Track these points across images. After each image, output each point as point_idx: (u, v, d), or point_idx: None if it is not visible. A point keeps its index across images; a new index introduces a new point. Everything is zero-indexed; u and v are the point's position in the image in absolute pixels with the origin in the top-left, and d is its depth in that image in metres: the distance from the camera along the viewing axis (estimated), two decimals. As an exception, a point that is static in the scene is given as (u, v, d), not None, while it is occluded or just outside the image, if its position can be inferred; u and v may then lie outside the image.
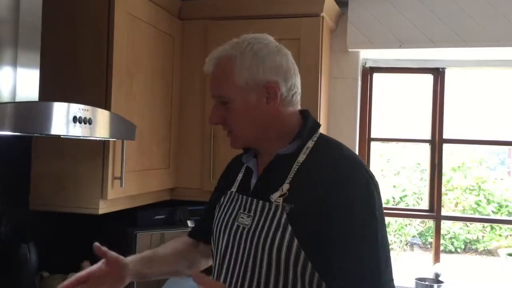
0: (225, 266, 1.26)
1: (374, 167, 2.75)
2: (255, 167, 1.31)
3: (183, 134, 2.42)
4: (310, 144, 1.25)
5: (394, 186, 5.65)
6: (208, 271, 1.38)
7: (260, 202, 1.22)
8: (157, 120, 2.23)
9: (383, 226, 1.16)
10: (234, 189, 1.34)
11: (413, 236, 5.19)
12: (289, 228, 1.15)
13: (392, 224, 5.33)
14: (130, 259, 1.41)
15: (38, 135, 1.36)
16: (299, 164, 1.22)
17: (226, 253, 1.26)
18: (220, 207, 1.35)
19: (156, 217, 2.33)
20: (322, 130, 2.36)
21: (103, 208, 1.87)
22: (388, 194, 5.45)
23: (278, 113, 1.24)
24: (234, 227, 1.25)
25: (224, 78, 1.23)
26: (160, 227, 2.28)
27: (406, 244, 5.24)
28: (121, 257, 1.39)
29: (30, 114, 1.21)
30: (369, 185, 1.17)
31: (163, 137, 2.29)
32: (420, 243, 5.15)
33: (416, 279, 2.38)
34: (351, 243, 1.12)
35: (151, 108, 2.16)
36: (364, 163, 1.24)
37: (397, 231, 5.41)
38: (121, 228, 2.26)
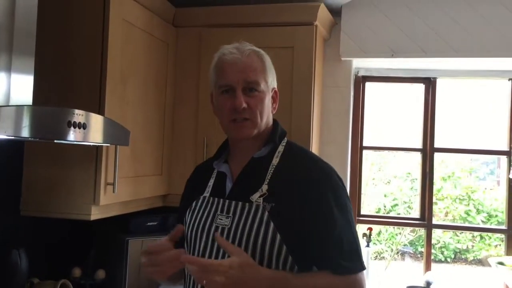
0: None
1: (365, 176, 2.77)
2: (229, 171, 1.40)
3: (176, 141, 2.42)
4: (281, 148, 1.38)
5: (385, 195, 5.67)
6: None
7: (240, 203, 1.31)
8: (150, 127, 2.22)
9: (352, 216, 1.32)
10: (207, 194, 1.40)
11: (404, 245, 5.20)
12: (272, 224, 1.25)
13: (383, 233, 5.35)
14: None
15: (32, 139, 1.35)
16: (274, 166, 1.34)
17: (204, 254, 1.31)
18: (193, 212, 1.39)
19: (149, 223, 2.32)
20: (315, 137, 2.39)
21: (95, 214, 1.86)
22: (379, 203, 5.47)
23: (270, 117, 1.41)
24: (213, 228, 1.31)
25: (261, 69, 1.36)
26: (152, 234, 2.26)
27: (397, 253, 5.25)
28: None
29: (24, 118, 1.21)
30: (337, 182, 1.34)
31: (156, 143, 2.28)
32: (411, 251, 5.16)
33: (408, 287, 2.39)
34: (332, 229, 1.26)
35: (144, 114, 2.16)
36: (329, 164, 1.40)
37: (388, 240, 5.42)
38: (113, 235, 2.24)
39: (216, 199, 1.36)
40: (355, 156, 2.71)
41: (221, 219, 1.31)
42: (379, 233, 5.22)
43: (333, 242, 1.26)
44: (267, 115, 1.37)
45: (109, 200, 1.89)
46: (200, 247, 1.33)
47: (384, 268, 5.08)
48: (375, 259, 5.12)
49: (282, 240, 1.24)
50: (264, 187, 1.29)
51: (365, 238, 2.48)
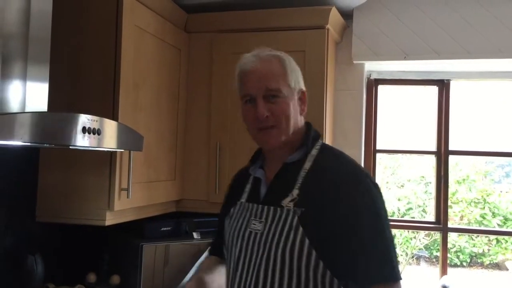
0: (239, 271, 1.32)
1: (379, 180, 2.75)
2: (263, 176, 1.40)
3: (189, 146, 2.43)
4: (314, 152, 1.36)
5: (399, 199, 5.62)
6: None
7: (272, 208, 1.31)
8: (163, 132, 2.23)
9: (387, 223, 1.27)
10: (243, 199, 1.41)
11: (420, 249, 5.16)
12: (300, 229, 1.24)
13: (397, 237, 5.30)
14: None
15: (47, 145, 1.36)
16: (306, 170, 1.32)
17: (239, 259, 1.33)
18: (231, 218, 1.42)
19: (162, 228, 2.33)
20: (328, 141, 2.38)
21: (110, 219, 1.87)
22: (393, 207, 5.43)
23: (300, 120, 1.38)
24: (247, 233, 1.33)
25: (280, 74, 1.34)
26: (166, 239, 2.27)
27: (412, 258, 5.20)
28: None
29: (40, 124, 1.22)
30: (371, 187, 1.28)
31: (169, 149, 2.29)
32: (427, 255, 5.11)
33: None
34: (360, 235, 1.22)
35: (157, 120, 2.18)
36: (363, 168, 1.37)
37: (402, 244, 5.37)
38: (127, 240, 2.25)
39: (251, 204, 1.37)
40: (369, 159, 2.70)
41: (255, 224, 1.32)
42: (394, 236, 5.18)
43: (361, 249, 1.22)
44: (294, 119, 1.35)
45: (123, 206, 1.90)
46: (236, 252, 1.34)
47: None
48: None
49: (310, 245, 1.22)
50: (295, 192, 1.29)
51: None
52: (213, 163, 2.37)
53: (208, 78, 2.42)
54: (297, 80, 1.37)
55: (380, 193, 1.30)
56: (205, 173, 2.40)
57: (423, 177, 5.68)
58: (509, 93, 2.78)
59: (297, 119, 1.36)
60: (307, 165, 1.32)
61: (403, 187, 5.82)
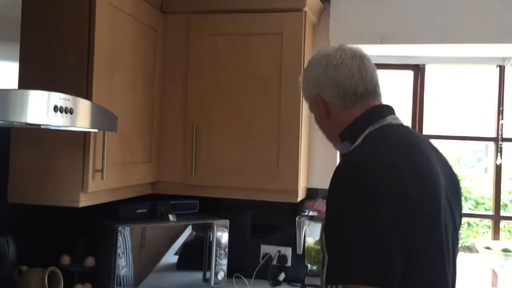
0: None
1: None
2: None
3: (165, 128, 2.40)
4: (359, 140, 1.28)
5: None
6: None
7: None
8: (138, 113, 2.21)
9: (349, 218, 1.10)
10: None
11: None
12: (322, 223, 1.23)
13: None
14: None
15: (17, 123, 1.33)
16: None
17: None
18: None
19: (138, 211, 2.32)
20: (304, 125, 2.39)
21: (84, 201, 1.85)
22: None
23: (335, 118, 1.34)
24: None
25: (304, 88, 1.43)
26: (142, 221, 2.26)
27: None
28: None
29: (9, 102, 1.19)
30: (342, 179, 1.15)
31: (144, 130, 2.27)
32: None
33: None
34: (325, 237, 1.17)
35: (132, 101, 2.15)
36: (364, 166, 1.14)
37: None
38: (102, 222, 2.24)
39: None
40: (345, 143, 2.72)
41: None
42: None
43: (325, 248, 1.16)
44: (324, 127, 1.40)
45: (97, 187, 1.88)
46: None
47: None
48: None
49: (322, 237, 1.21)
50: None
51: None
52: (189, 146, 2.36)
53: (184, 60, 2.39)
54: (310, 87, 1.38)
55: (354, 185, 1.11)
56: (181, 155, 2.39)
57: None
58: (483, 78, 2.83)
59: (327, 126, 1.38)
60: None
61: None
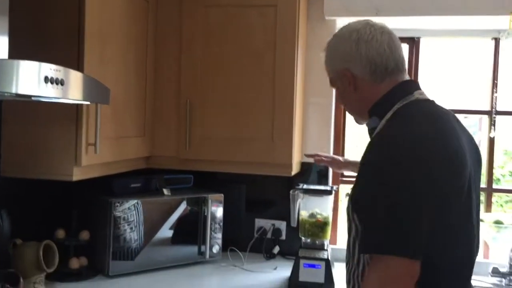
0: None
1: (350, 136, 2.78)
2: None
3: (159, 102, 2.39)
4: (389, 115, 1.30)
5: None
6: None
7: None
8: (131, 87, 2.19)
9: (389, 190, 1.14)
10: None
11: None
12: (348, 198, 1.30)
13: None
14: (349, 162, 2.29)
15: (8, 94, 1.31)
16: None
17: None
18: None
19: (132, 185, 2.31)
20: (298, 98, 2.38)
21: (77, 175, 1.84)
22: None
23: (363, 92, 1.35)
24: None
25: (327, 62, 1.44)
26: (136, 196, 2.26)
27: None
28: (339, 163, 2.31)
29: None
30: (384, 150, 1.19)
31: (138, 104, 2.25)
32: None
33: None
34: (358, 207, 1.23)
35: (125, 74, 2.12)
36: (407, 141, 1.17)
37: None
38: (97, 196, 2.24)
39: None
40: (339, 117, 2.71)
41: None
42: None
43: (358, 218, 1.23)
44: (351, 104, 1.42)
45: (91, 161, 1.87)
46: None
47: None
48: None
49: (352, 212, 1.27)
50: (362, 159, 1.27)
51: (348, 197, 2.52)
52: (183, 119, 2.35)
53: (177, 33, 2.36)
54: (333, 67, 1.40)
55: (394, 162, 1.14)
56: (175, 130, 2.38)
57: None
58: (478, 51, 2.81)
59: (352, 101, 1.40)
60: (378, 130, 1.31)
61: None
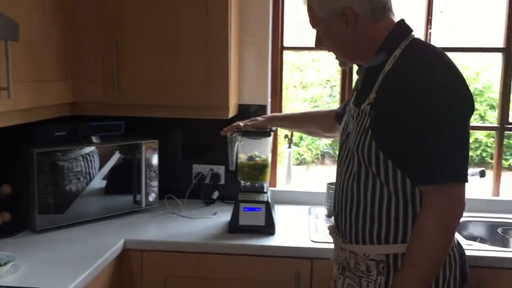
0: (338, 161, 1.53)
1: (287, 79, 2.69)
2: (361, 79, 1.50)
3: (81, 44, 2.18)
4: (398, 52, 1.35)
5: (304, 100, 5.69)
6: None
7: (357, 110, 1.43)
8: (49, 25, 1.97)
9: (443, 121, 1.26)
10: (351, 100, 1.55)
11: (325, 145, 5.40)
12: (370, 132, 1.34)
13: (304, 139, 5.45)
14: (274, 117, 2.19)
15: None
16: (385, 73, 1.35)
17: (340, 152, 1.53)
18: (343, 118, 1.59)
19: (56, 133, 2.14)
20: (233, 37, 2.26)
21: (-9, 122, 1.66)
22: (300, 108, 5.51)
23: (362, 32, 1.38)
24: (346, 132, 1.48)
25: (310, 11, 1.43)
26: (61, 145, 2.09)
27: (317, 157, 5.43)
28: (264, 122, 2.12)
29: None
30: (430, 83, 1.26)
31: (57, 46, 2.04)
32: (331, 152, 5.35)
33: (328, 183, 2.44)
34: (412, 138, 1.28)
35: (40, 11, 1.90)
36: (440, 67, 1.30)
37: (308, 145, 5.55)
38: (18, 146, 2.05)
39: (352, 105, 1.49)
40: (276, 57, 2.62)
41: (349, 126, 1.45)
42: (300, 138, 5.31)
43: (410, 149, 1.28)
44: (349, 43, 1.40)
45: (5, 107, 1.68)
46: (339, 148, 1.55)
47: (305, 170, 5.26)
48: (299, 164, 5.26)
49: (377, 147, 1.31)
50: (372, 95, 1.35)
51: (286, 139, 2.48)
52: (109, 61, 2.17)
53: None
54: (328, 7, 1.37)
55: (444, 93, 1.26)
56: (101, 74, 2.20)
57: (328, 80, 5.75)
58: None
59: (348, 41, 1.39)
60: (387, 67, 1.34)
61: (307, 89, 5.85)
